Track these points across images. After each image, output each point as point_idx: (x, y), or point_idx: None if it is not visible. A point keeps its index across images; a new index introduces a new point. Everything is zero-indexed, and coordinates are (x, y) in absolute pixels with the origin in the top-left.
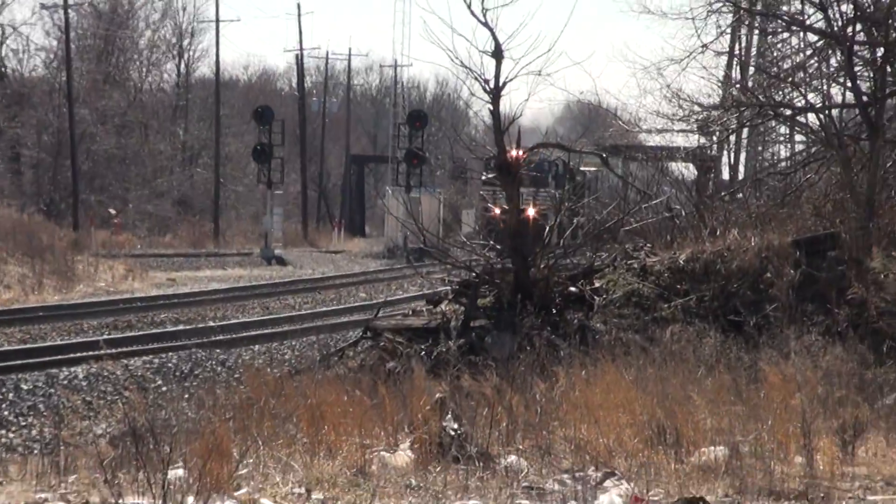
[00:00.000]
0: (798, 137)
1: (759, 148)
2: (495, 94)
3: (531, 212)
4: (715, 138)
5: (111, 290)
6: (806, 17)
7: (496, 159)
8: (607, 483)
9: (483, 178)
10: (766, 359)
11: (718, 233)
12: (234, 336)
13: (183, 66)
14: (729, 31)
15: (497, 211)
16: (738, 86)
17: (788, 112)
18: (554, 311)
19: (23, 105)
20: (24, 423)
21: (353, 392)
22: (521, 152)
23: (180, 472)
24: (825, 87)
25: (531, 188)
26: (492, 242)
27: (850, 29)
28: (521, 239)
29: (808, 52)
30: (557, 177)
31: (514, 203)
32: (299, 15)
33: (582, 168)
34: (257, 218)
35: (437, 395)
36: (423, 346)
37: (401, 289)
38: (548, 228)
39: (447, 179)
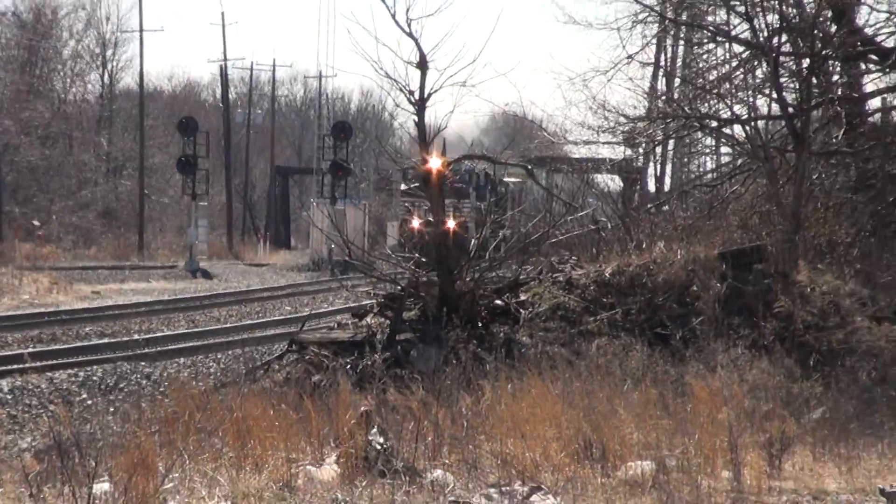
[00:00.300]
0: (724, 149)
1: (685, 160)
2: (420, 105)
3: (451, 224)
4: (641, 150)
5: (36, 302)
6: (732, 27)
7: (420, 171)
8: (534, 498)
9: (402, 188)
10: (693, 372)
11: (644, 245)
12: (159, 349)
13: (107, 76)
14: (654, 41)
15: (416, 223)
16: (663, 97)
17: (714, 123)
18: (480, 325)
19: None
20: None
21: (279, 406)
22: (444, 163)
23: (106, 486)
24: (751, 99)
25: (452, 199)
26: (416, 255)
27: (775, 40)
28: (446, 251)
29: (734, 63)
30: (479, 188)
31: (438, 215)
32: (223, 25)
33: (505, 179)
34: (182, 230)
35: (363, 409)
36: (348, 360)
37: (326, 302)
38: (473, 241)
39: (372, 191)
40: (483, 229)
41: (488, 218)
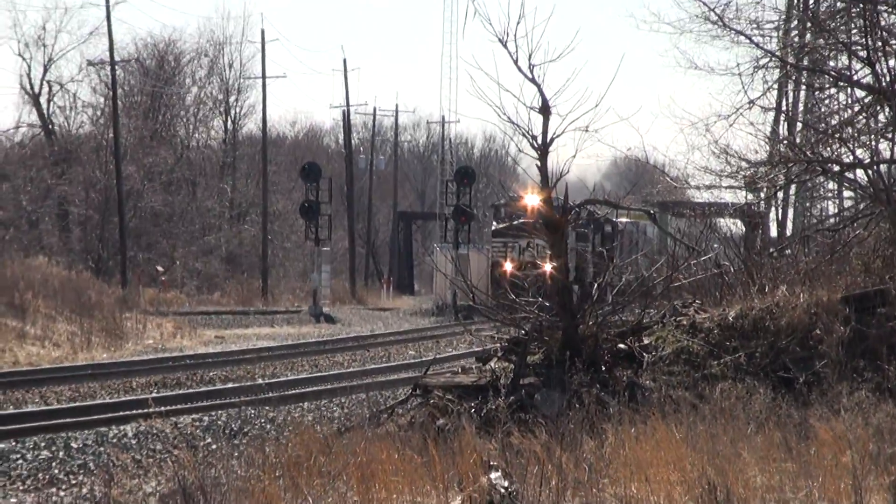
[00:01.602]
0: (846, 193)
1: (807, 204)
2: (543, 150)
3: (547, 267)
4: (762, 194)
5: (159, 347)
6: (853, 72)
7: (543, 216)
8: None
9: (493, 227)
10: (817, 416)
11: (767, 289)
12: (283, 393)
13: (230, 122)
14: (776, 86)
15: (508, 266)
16: (785, 142)
17: (836, 168)
18: (603, 369)
19: (70, 162)
20: (74, 482)
21: (403, 449)
22: (568, 208)
23: None
24: (873, 143)
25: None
26: (540, 300)
27: None
28: (569, 295)
29: (856, 108)
30: (579, 228)
31: (561, 260)
32: (345, 71)
33: (614, 219)
34: (305, 275)
35: (485, 457)
36: (472, 404)
37: (450, 346)
38: (595, 285)
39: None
40: (606, 274)
41: (610, 262)
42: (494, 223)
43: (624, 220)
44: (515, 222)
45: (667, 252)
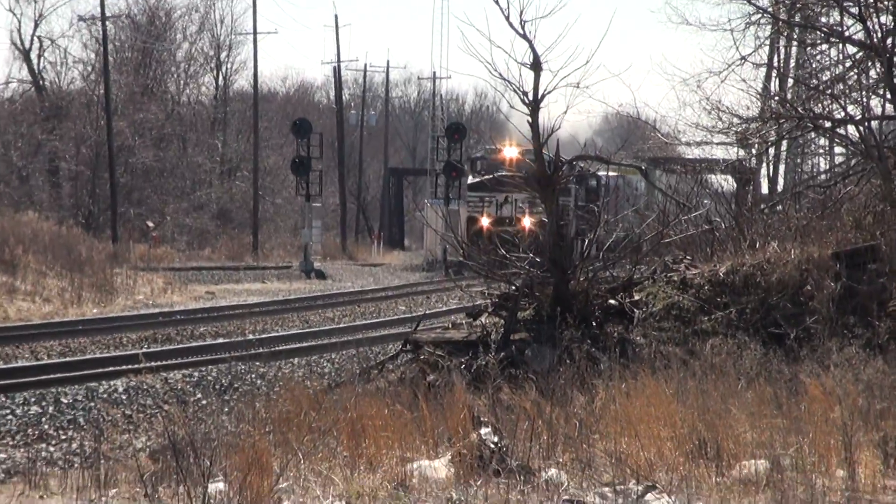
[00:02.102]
0: (837, 149)
1: (799, 160)
2: (534, 106)
3: (527, 222)
4: (754, 151)
5: (150, 303)
6: (845, 28)
7: (536, 171)
8: (648, 496)
9: (470, 181)
10: (807, 371)
11: (758, 245)
12: (273, 349)
13: (221, 78)
14: (768, 42)
15: (486, 221)
16: (776, 98)
17: (828, 124)
18: (594, 324)
19: (61, 118)
20: (64, 437)
21: (394, 405)
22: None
23: (221, 485)
24: (865, 99)
25: (524, 194)
26: (530, 255)
27: (889, 40)
28: (560, 251)
29: (848, 64)
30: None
31: (553, 216)
32: (336, 27)
33: (599, 173)
34: (296, 231)
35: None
36: (463, 360)
37: (440, 302)
38: (587, 240)
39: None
40: (598, 229)
41: (602, 217)
42: (471, 177)
43: (611, 173)
44: (494, 175)
45: (657, 207)
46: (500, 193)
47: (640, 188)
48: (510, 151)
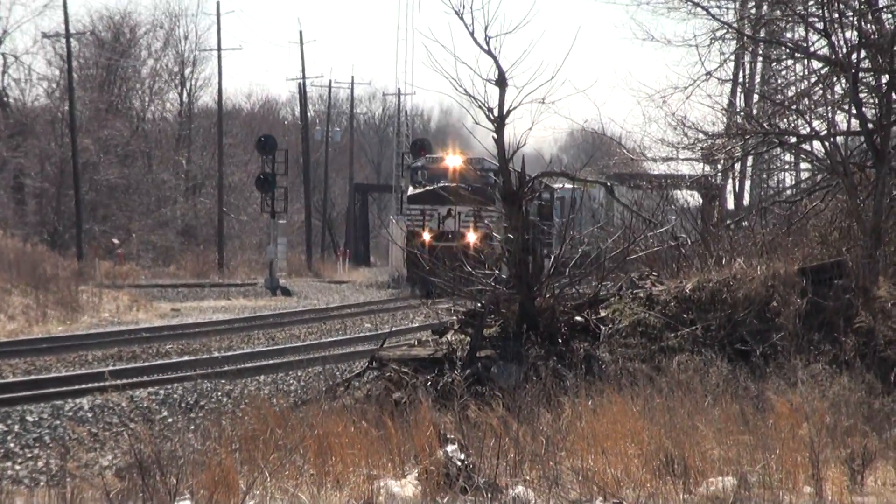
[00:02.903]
0: (803, 165)
1: (764, 176)
2: (499, 122)
3: (472, 237)
4: (720, 166)
5: (116, 320)
6: (810, 44)
7: (502, 188)
8: None
9: (410, 192)
10: (774, 388)
11: (724, 261)
12: (239, 367)
13: (185, 95)
14: (733, 58)
15: (427, 236)
16: (742, 113)
17: (793, 140)
18: (560, 341)
19: (25, 135)
20: (29, 455)
21: (360, 423)
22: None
23: (187, 503)
24: (830, 115)
25: (469, 207)
26: (496, 272)
27: (854, 56)
28: (525, 268)
29: (813, 80)
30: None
31: (518, 233)
32: (301, 43)
33: (554, 185)
34: (261, 248)
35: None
36: (429, 377)
37: (406, 319)
38: (552, 257)
39: None
40: (563, 245)
41: (567, 234)
42: (411, 188)
43: (566, 185)
44: (435, 186)
45: (622, 223)
46: (443, 206)
47: (599, 199)
48: (453, 160)
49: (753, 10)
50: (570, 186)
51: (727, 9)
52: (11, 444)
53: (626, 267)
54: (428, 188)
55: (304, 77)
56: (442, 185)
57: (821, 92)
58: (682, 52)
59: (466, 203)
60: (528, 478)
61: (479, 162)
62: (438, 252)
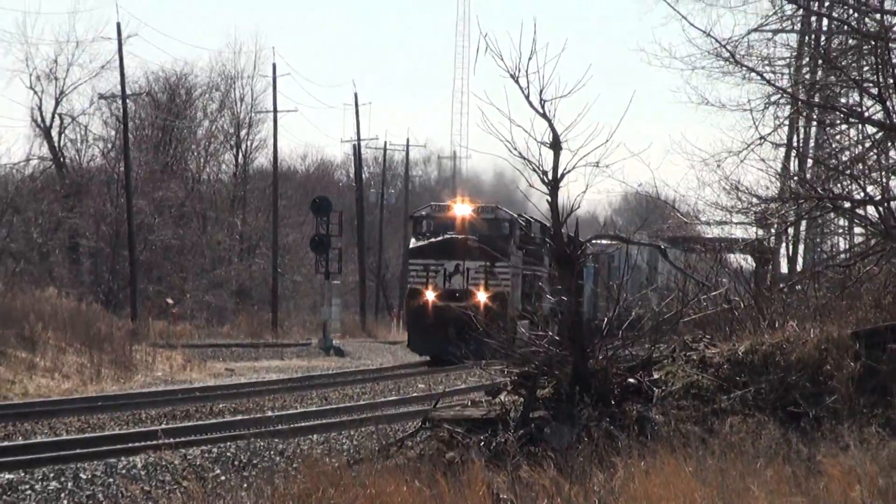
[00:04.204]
0: (857, 230)
1: (818, 240)
2: (554, 185)
3: (482, 297)
4: (773, 230)
5: (169, 379)
6: (864, 108)
7: (555, 251)
8: None
9: (413, 245)
10: (826, 451)
11: (777, 325)
12: (292, 426)
13: (241, 156)
14: (787, 123)
15: (431, 295)
16: (796, 178)
17: (847, 204)
18: (612, 403)
19: (81, 195)
20: None
21: (413, 482)
22: (578, 243)
23: None
24: (884, 180)
25: (479, 261)
26: (550, 334)
27: None
28: (579, 329)
29: (867, 144)
30: (528, 245)
31: (571, 295)
32: (357, 105)
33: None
34: (316, 308)
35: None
36: (482, 437)
37: (460, 380)
38: (607, 319)
39: None
40: (617, 307)
41: (620, 295)
42: (413, 240)
43: (601, 241)
44: (442, 238)
45: (675, 284)
46: (450, 261)
47: (644, 261)
48: (461, 209)
49: (808, 76)
50: (608, 243)
51: (782, 74)
52: (65, 502)
53: (679, 329)
54: (432, 240)
55: (358, 139)
56: (449, 236)
57: (875, 157)
58: (737, 117)
59: (477, 257)
60: None
61: (493, 211)
62: (444, 313)
